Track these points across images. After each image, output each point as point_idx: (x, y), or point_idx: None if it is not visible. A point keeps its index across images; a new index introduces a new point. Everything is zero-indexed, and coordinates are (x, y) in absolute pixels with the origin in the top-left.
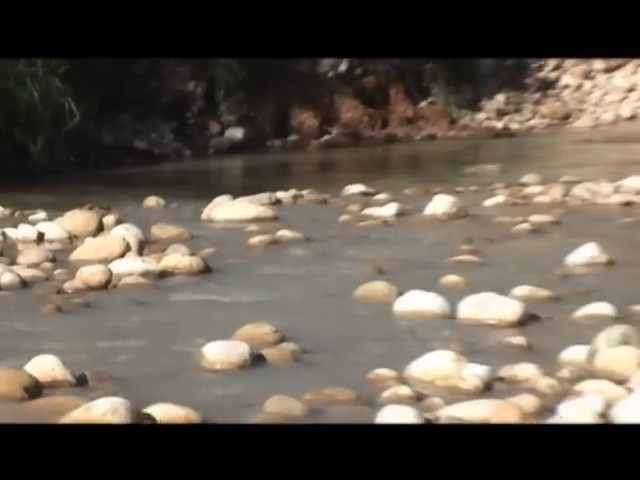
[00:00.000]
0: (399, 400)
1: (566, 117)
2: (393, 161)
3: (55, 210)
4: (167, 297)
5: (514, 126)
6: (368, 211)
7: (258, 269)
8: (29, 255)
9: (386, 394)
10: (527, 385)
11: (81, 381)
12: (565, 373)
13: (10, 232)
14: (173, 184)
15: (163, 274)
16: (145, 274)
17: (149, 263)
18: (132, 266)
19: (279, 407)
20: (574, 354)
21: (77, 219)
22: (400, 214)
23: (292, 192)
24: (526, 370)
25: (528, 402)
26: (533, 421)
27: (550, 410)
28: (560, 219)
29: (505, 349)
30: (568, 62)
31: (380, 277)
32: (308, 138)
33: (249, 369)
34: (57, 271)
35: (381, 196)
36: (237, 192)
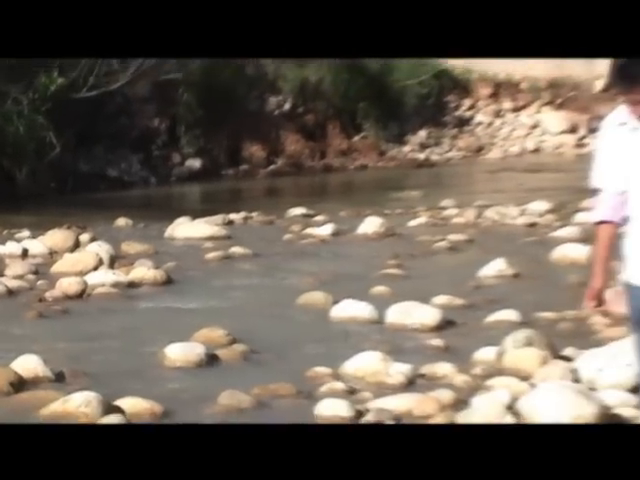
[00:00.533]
0: (334, 394)
1: (479, 150)
2: (330, 188)
3: (38, 229)
4: (135, 305)
5: (434, 157)
6: (308, 230)
7: (213, 280)
8: (15, 268)
9: (323, 389)
10: (445, 381)
11: (59, 377)
12: (477, 370)
13: None
14: (140, 207)
15: (131, 285)
16: (115, 285)
17: (119, 275)
18: (104, 278)
19: (230, 400)
20: (485, 354)
21: (57, 237)
22: (336, 233)
23: (243, 214)
24: (444, 368)
25: (445, 396)
26: (450, 412)
27: (464, 402)
28: (473, 238)
29: (426, 350)
30: (481, 102)
31: (318, 288)
32: (257, 168)
33: (205, 367)
34: (39, 282)
35: (319, 218)
36: (195, 214)
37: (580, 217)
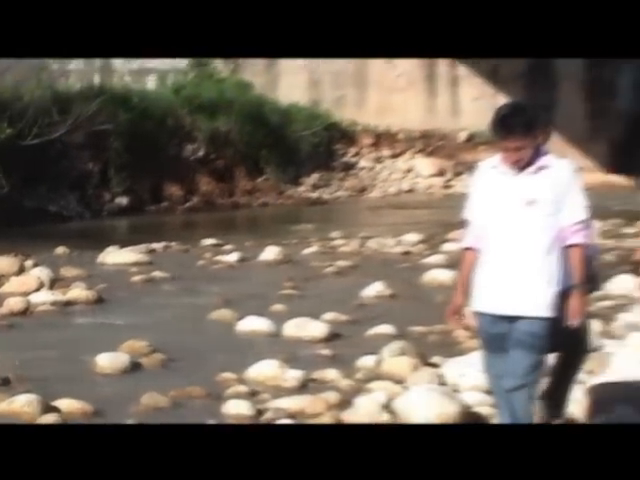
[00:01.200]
0: (238, 395)
1: (362, 190)
2: (237, 222)
3: None
4: (71, 320)
5: (325, 196)
6: (218, 257)
7: (138, 300)
8: None
9: (229, 391)
10: (332, 384)
11: (5, 382)
12: (359, 375)
13: None
14: (76, 237)
15: (68, 303)
16: (54, 303)
17: (57, 295)
18: (45, 297)
19: (151, 401)
20: (366, 362)
21: (4, 263)
22: (241, 260)
23: (163, 243)
24: (331, 373)
25: (332, 397)
26: (336, 411)
27: (348, 402)
28: (357, 264)
29: (316, 358)
30: (364, 150)
31: (226, 306)
32: (175, 204)
33: (129, 373)
34: None
35: (228, 247)
36: (123, 243)
37: (446, 247)
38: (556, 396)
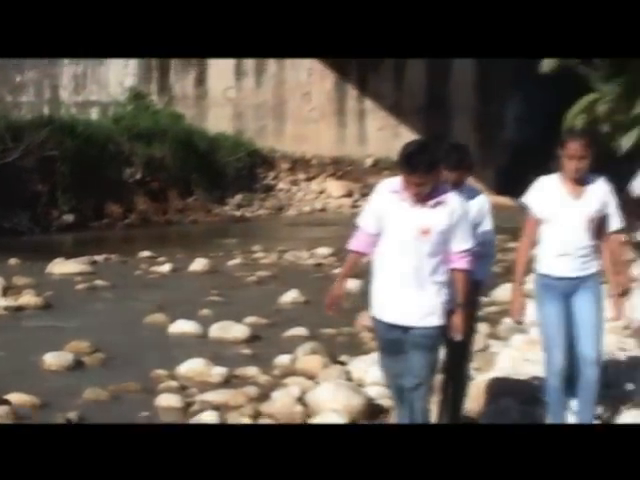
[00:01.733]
0: (170, 390)
1: (280, 209)
2: (170, 237)
3: None
4: (21, 324)
5: (248, 214)
6: (153, 268)
7: (81, 306)
8: None
9: (161, 386)
10: (252, 380)
11: None
12: (276, 372)
13: None
14: (27, 251)
15: (19, 308)
16: (6, 308)
17: (9, 301)
18: None
19: (92, 395)
20: (282, 360)
21: None
22: (173, 270)
23: (104, 255)
24: (251, 370)
25: (252, 391)
26: (255, 403)
27: (266, 396)
28: (275, 274)
29: (238, 357)
30: (282, 174)
31: (159, 310)
32: (115, 221)
33: (73, 370)
34: None
35: (161, 259)
36: (69, 255)
37: None
38: (451, 393)
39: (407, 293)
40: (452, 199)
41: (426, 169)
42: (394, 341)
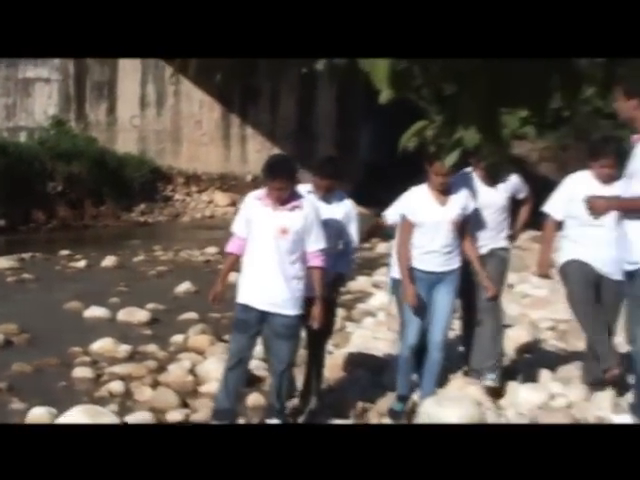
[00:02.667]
0: (84, 364)
1: (177, 215)
2: (86, 238)
3: None
4: None
5: (150, 220)
6: (71, 264)
7: (11, 295)
8: None
9: (77, 360)
10: (152, 355)
11: None
12: (172, 349)
13: None
14: None
15: None
16: None
17: None
18: None
19: (19, 368)
20: (177, 339)
21: None
22: (88, 266)
23: (30, 254)
24: (151, 347)
25: (151, 364)
26: (155, 374)
27: (164, 368)
28: (172, 269)
29: (141, 337)
30: (179, 187)
31: (77, 299)
32: (40, 226)
33: (3, 348)
34: None
35: (78, 256)
36: (0, 253)
37: None
38: (314, 366)
39: (269, 284)
40: (306, 204)
41: (284, 176)
42: (245, 321)
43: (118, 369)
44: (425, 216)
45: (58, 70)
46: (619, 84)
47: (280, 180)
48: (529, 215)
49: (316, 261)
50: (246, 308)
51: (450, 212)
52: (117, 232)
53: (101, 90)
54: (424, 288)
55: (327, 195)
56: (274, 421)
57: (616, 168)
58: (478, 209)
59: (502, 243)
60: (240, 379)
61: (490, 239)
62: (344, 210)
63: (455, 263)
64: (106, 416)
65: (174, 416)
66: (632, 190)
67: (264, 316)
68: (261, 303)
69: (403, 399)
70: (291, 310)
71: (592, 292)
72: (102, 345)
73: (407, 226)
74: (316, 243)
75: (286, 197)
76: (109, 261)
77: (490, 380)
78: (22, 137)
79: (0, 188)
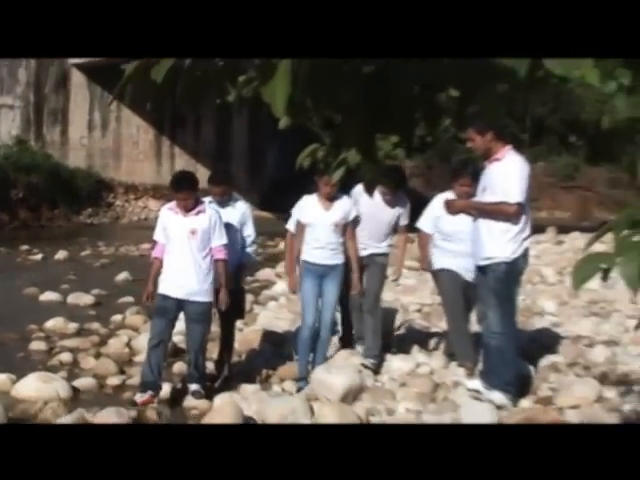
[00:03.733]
0: (39, 338)
1: (117, 218)
2: (42, 236)
3: None
4: None
5: (95, 222)
6: (30, 257)
7: None
8: None
9: (33, 336)
10: (95, 331)
11: None
12: (112, 326)
13: None
14: None
15: None
16: None
17: None
18: None
19: None
20: (116, 318)
21: None
22: (44, 258)
23: None
24: (95, 325)
25: (95, 339)
26: (98, 346)
27: (105, 342)
28: (113, 261)
29: (87, 316)
30: (119, 195)
31: (34, 285)
32: (4, 226)
33: None
34: None
35: (35, 250)
36: None
37: None
38: (226, 342)
39: (185, 276)
40: (208, 208)
41: (187, 188)
42: (165, 308)
43: (67, 343)
44: (313, 218)
45: (20, 98)
46: (471, 126)
47: (184, 192)
48: (405, 247)
49: (220, 254)
50: (165, 297)
51: (333, 216)
52: (68, 231)
53: (56, 115)
54: (314, 278)
55: (223, 200)
56: (194, 386)
57: (473, 187)
58: (359, 217)
59: (383, 249)
60: (161, 356)
61: (372, 244)
62: (240, 211)
63: (339, 259)
64: (57, 381)
65: (113, 381)
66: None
67: (180, 303)
68: (178, 292)
69: (304, 379)
70: (203, 298)
71: (460, 296)
72: (54, 323)
73: (298, 227)
74: (219, 239)
75: (191, 205)
76: (61, 255)
77: (371, 364)
78: None
79: None
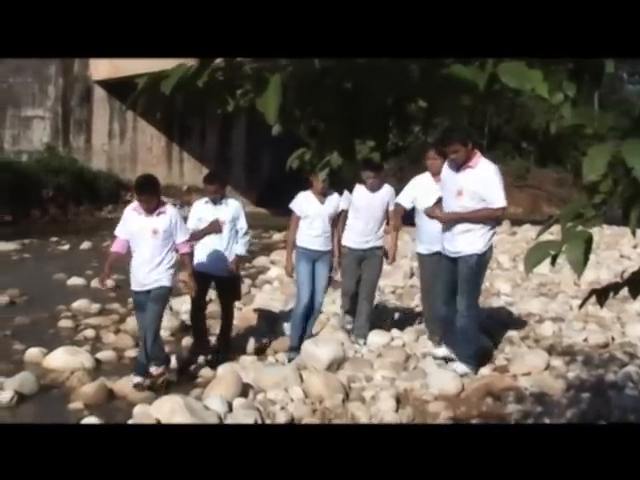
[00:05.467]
0: (67, 317)
1: None
2: (69, 229)
3: None
4: None
5: (115, 217)
6: (58, 247)
7: (15, 268)
8: None
9: (61, 315)
10: (116, 311)
11: None
12: (129, 306)
13: None
14: None
15: None
16: None
17: None
18: None
19: (20, 321)
20: None
21: None
22: (71, 249)
23: (29, 240)
24: (115, 305)
25: (115, 317)
26: (117, 324)
27: (124, 320)
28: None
29: (109, 297)
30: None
31: (62, 271)
32: (36, 220)
33: (8, 307)
34: None
35: (63, 242)
36: (7, 239)
37: None
38: (225, 321)
39: (147, 270)
40: (169, 209)
41: (150, 190)
42: (140, 302)
43: (91, 321)
44: (310, 211)
45: (50, 110)
46: (452, 139)
47: (146, 194)
48: (397, 234)
49: (184, 248)
50: (137, 293)
51: (327, 208)
52: (91, 225)
53: (81, 125)
54: (309, 262)
55: (216, 198)
56: (137, 378)
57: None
58: (347, 210)
59: (381, 242)
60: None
61: (372, 237)
62: (232, 207)
63: (329, 245)
64: (82, 354)
65: (130, 354)
66: (461, 204)
67: (147, 292)
68: (142, 284)
69: (296, 349)
70: (163, 283)
71: (434, 277)
72: (80, 304)
73: (294, 218)
74: (182, 236)
75: (153, 206)
76: (85, 245)
77: (362, 343)
78: (24, 158)
79: (8, 194)
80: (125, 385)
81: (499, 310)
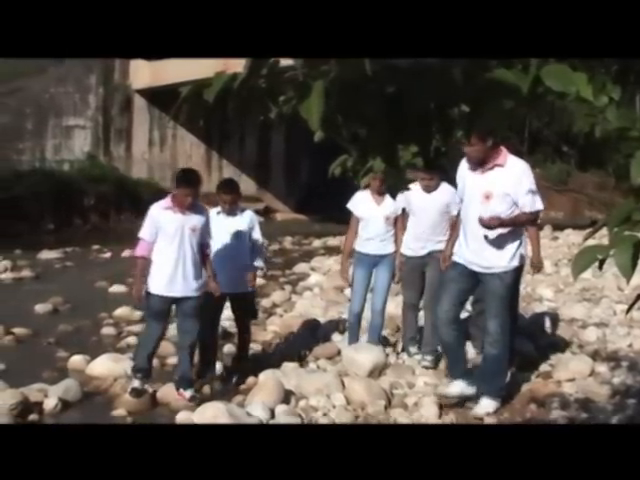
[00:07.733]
0: (109, 324)
1: None
2: (110, 237)
3: None
4: (21, 288)
5: None
6: (100, 255)
7: (57, 276)
8: None
9: (104, 322)
10: None
11: None
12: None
13: None
14: (27, 245)
15: (20, 279)
16: (13, 279)
17: (15, 274)
18: None
19: (63, 328)
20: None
21: None
22: (112, 257)
23: (72, 248)
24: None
25: None
26: None
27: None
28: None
29: None
30: None
31: (104, 279)
32: (78, 228)
33: (52, 314)
34: None
35: (105, 249)
36: (51, 247)
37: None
38: (243, 334)
39: (177, 274)
40: (203, 208)
41: (193, 185)
42: (162, 311)
43: (133, 328)
44: (366, 212)
45: (90, 120)
46: (475, 134)
47: (188, 189)
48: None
49: (208, 249)
50: (162, 298)
51: (385, 210)
52: (132, 233)
53: (121, 134)
54: (365, 267)
55: (231, 208)
56: (188, 392)
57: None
58: (416, 211)
59: (441, 245)
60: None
61: (430, 241)
62: (247, 218)
63: (389, 249)
64: (124, 361)
65: (171, 360)
66: (490, 209)
67: (175, 301)
68: (172, 290)
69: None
70: (196, 292)
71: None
72: (122, 311)
73: (354, 220)
74: (209, 236)
75: (192, 203)
76: (127, 253)
77: (429, 361)
78: (66, 167)
79: (51, 203)
80: (168, 392)
81: (542, 316)
